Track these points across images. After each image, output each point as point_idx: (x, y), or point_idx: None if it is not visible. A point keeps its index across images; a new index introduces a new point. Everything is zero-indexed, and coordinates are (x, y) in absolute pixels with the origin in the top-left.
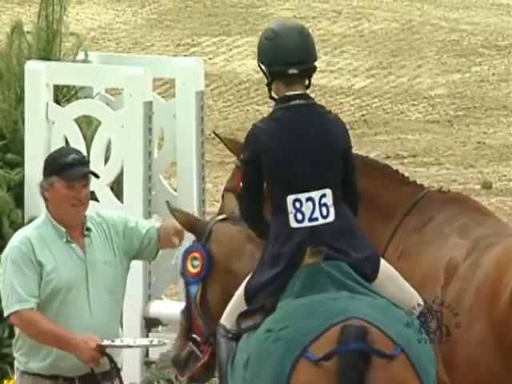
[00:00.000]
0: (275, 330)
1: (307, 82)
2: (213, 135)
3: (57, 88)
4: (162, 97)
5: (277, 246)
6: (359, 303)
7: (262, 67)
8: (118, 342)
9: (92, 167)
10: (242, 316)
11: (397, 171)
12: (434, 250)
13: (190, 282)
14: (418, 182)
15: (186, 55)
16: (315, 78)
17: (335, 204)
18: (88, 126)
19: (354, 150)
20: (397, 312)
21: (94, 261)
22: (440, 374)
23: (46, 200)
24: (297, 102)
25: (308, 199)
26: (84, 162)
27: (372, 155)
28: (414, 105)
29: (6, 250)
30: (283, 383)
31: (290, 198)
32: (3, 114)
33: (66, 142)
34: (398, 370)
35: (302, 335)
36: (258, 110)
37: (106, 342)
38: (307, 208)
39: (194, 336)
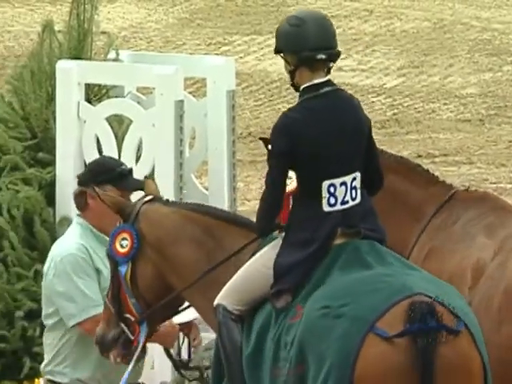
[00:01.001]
0: (334, 306)
1: (328, 68)
2: (244, 134)
3: (88, 87)
4: (193, 96)
5: (309, 229)
6: (415, 278)
7: (285, 54)
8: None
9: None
10: (274, 296)
11: (427, 171)
12: (461, 250)
13: (119, 263)
14: (449, 181)
15: (217, 54)
16: (346, 77)
17: (361, 186)
18: (119, 125)
19: (386, 149)
20: (448, 286)
21: None
22: None
23: (85, 206)
24: (325, 89)
25: (342, 184)
26: (132, 173)
27: (403, 154)
28: (445, 104)
29: (61, 261)
30: (351, 359)
31: (326, 184)
32: (35, 112)
33: (98, 141)
34: (463, 344)
35: (366, 311)
36: None
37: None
38: (340, 192)
39: (127, 316)
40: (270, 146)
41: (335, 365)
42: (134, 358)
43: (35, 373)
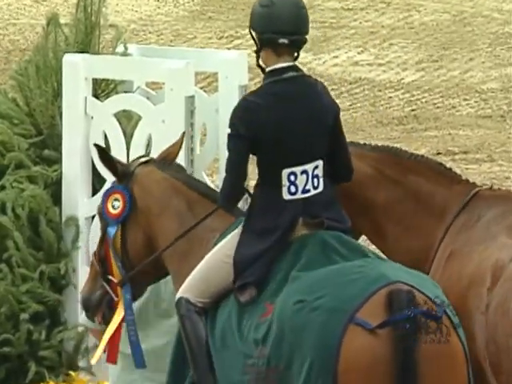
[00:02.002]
0: (309, 300)
1: (296, 54)
2: None
3: (96, 82)
4: (205, 91)
5: (269, 218)
6: (390, 268)
7: (253, 34)
8: None
9: None
10: (238, 290)
11: (450, 169)
12: (482, 250)
13: (109, 223)
14: (471, 180)
15: (229, 48)
16: (363, 72)
17: (324, 175)
18: (128, 121)
19: (404, 146)
20: (422, 275)
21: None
22: (488, 378)
23: None
24: (289, 74)
25: (303, 172)
26: None
27: (422, 151)
28: (465, 99)
29: None
30: (332, 352)
31: (286, 172)
32: (40, 108)
33: (106, 137)
34: (445, 330)
35: (344, 302)
36: None
37: None
38: (301, 181)
39: (110, 277)
40: (228, 130)
41: (317, 358)
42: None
43: (41, 378)
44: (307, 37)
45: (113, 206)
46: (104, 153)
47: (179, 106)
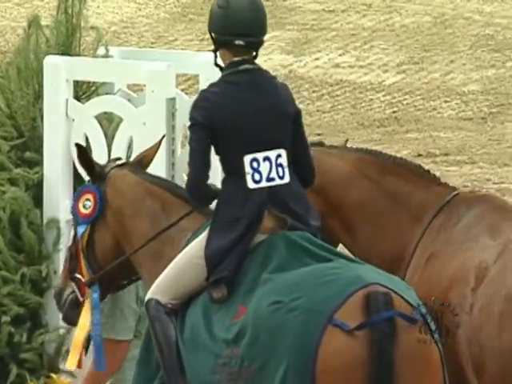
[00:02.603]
0: (285, 301)
1: (254, 53)
2: None
3: (77, 84)
4: (186, 93)
5: (234, 208)
6: (365, 269)
7: (211, 33)
8: None
9: None
10: (212, 286)
11: (428, 172)
12: (464, 251)
13: (79, 223)
14: (451, 181)
15: (210, 50)
16: (344, 74)
17: (288, 166)
18: (109, 123)
19: (385, 148)
20: (395, 277)
21: None
22: (469, 378)
23: None
24: (246, 66)
25: (265, 159)
26: None
27: (403, 153)
28: (446, 101)
29: None
30: (311, 353)
31: (248, 158)
32: (21, 111)
33: (87, 139)
34: (421, 332)
35: (322, 303)
36: None
37: None
38: (264, 168)
39: (78, 276)
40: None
41: (295, 359)
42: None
43: (22, 380)
44: (264, 38)
45: (84, 206)
46: (83, 151)
47: (160, 108)
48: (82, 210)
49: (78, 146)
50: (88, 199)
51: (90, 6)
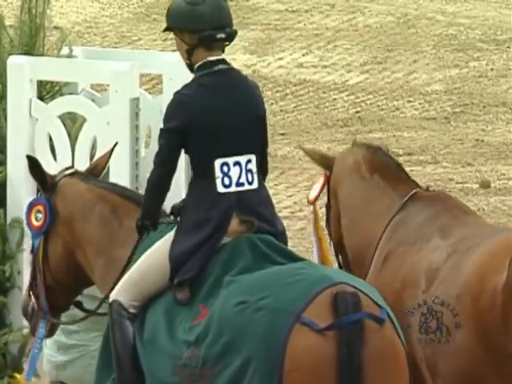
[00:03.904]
0: (251, 301)
1: (222, 48)
2: None
3: (40, 84)
4: (149, 93)
5: (202, 210)
6: (330, 270)
7: (182, 33)
8: None
9: (77, 165)
10: (176, 287)
11: (403, 170)
12: (415, 252)
13: (33, 235)
14: (417, 181)
15: (174, 50)
16: (307, 74)
17: (257, 171)
18: (73, 123)
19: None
20: (360, 279)
21: None
22: (425, 379)
23: None
24: (220, 66)
25: (235, 163)
26: None
27: None
28: (409, 101)
29: None
30: (278, 351)
31: (218, 162)
32: None
33: (50, 139)
34: (388, 332)
35: (288, 302)
36: None
37: None
38: (234, 172)
39: (35, 290)
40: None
41: (262, 358)
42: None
43: None
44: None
45: (36, 218)
46: (35, 163)
47: (124, 107)
48: (35, 223)
49: (28, 157)
50: (39, 211)
51: (53, 5)
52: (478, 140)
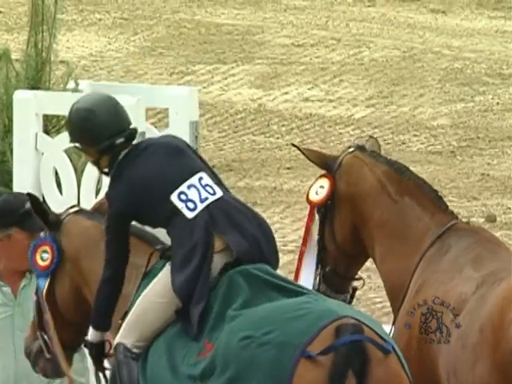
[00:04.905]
0: (256, 335)
1: None
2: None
3: (46, 118)
4: (155, 127)
5: (186, 240)
6: (335, 304)
7: (84, 148)
8: None
9: (82, 200)
10: (183, 318)
11: (440, 198)
12: (448, 280)
13: (38, 276)
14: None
15: (180, 84)
16: (313, 108)
17: (217, 184)
18: (78, 157)
19: None
20: (367, 314)
21: (25, 304)
22: None
23: None
24: (126, 151)
25: (190, 186)
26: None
27: None
28: (415, 135)
29: None
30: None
31: (174, 196)
32: None
33: (56, 173)
34: (394, 364)
35: (295, 336)
36: (254, 141)
37: None
38: (193, 194)
39: (42, 332)
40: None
41: None
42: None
43: None
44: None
45: (42, 258)
46: (37, 202)
47: None
48: (40, 263)
49: (30, 196)
50: (45, 251)
51: (59, 40)
52: (483, 174)
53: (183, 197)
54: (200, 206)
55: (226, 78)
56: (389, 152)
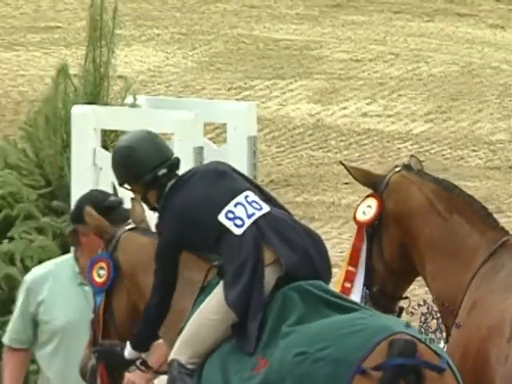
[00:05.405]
0: (311, 352)
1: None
2: (266, 182)
3: (104, 133)
4: (214, 142)
5: (235, 257)
6: (390, 319)
7: (131, 185)
8: None
9: None
10: (241, 334)
11: (490, 215)
12: (502, 300)
13: (95, 293)
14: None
15: (238, 99)
16: (372, 123)
17: (264, 200)
18: None
19: None
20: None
21: None
22: None
23: (78, 244)
24: (172, 181)
25: (236, 204)
26: (122, 203)
27: None
28: (474, 150)
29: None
30: None
31: (221, 216)
32: (49, 160)
33: (114, 188)
34: (449, 382)
35: (349, 353)
36: (312, 156)
37: None
38: (240, 211)
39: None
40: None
41: None
42: None
43: None
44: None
45: (98, 275)
46: (94, 218)
47: (188, 156)
48: (97, 279)
49: (87, 212)
50: (102, 267)
51: (117, 55)
52: None
53: (230, 215)
54: (247, 222)
55: (284, 93)
56: (447, 167)
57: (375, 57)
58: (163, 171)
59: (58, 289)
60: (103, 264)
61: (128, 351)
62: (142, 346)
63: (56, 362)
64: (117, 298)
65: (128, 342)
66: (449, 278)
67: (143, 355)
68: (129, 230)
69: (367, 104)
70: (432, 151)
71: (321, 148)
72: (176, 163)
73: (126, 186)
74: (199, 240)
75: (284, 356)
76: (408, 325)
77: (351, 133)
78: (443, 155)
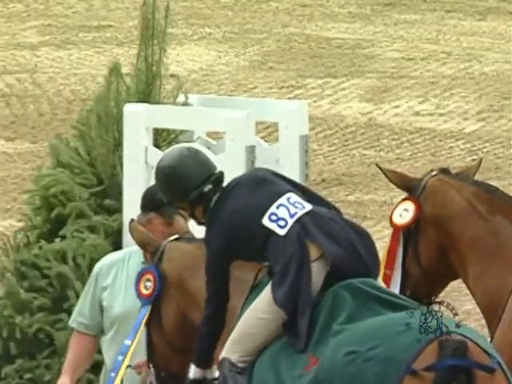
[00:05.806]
0: (361, 351)
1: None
2: (317, 180)
3: (156, 131)
4: (265, 141)
5: (281, 257)
6: (442, 319)
7: (178, 204)
8: None
9: None
10: (292, 332)
11: None
12: None
13: (143, 304)
14: None
15: (289, 97)
16: (424, 122)
17: (308, 201)
18: None
19: None
20: (472, 329)
21: None
22: None
23: (154, 233)
24: (218, 194)
25: (278, 206)
26: None
27: None
28: None
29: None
30: None
31: (265, 219)
32: (101, 158)
33: None
34: (500, 381)
35: (399, 352)
36: (364, 155)
37: None
38: (283, 212)
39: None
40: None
41: None
42: None
43: None
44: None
45: (145, 287)
46: (138, 232)
47: (240, 155)
48: (144, 291)
49: (133, 227)
50: (148, 279)
51: (169, 54)
52: None
53: (273, 217)
54: (291, 221)
55: (336, 92)
56: (500, 166)
57: (427, 56)
58: (209, 187)
59: (122, 277)
60: (150, 276)
61: (192, 371)
62: (204, 361)
63: (113, 349)
64: (165, 309)
65: (191, 363)
66: (493, 278)
67: (207, 374)
68: (173, 240)
69: (419, 103)
70: (484, 150)
71: (373, 147)
72: (220, 177)
73: (174, 205)
74: (247, 248)
75: (335, 354)
76: (459, 323)
77: (403, 132)
78: (495, 154)
